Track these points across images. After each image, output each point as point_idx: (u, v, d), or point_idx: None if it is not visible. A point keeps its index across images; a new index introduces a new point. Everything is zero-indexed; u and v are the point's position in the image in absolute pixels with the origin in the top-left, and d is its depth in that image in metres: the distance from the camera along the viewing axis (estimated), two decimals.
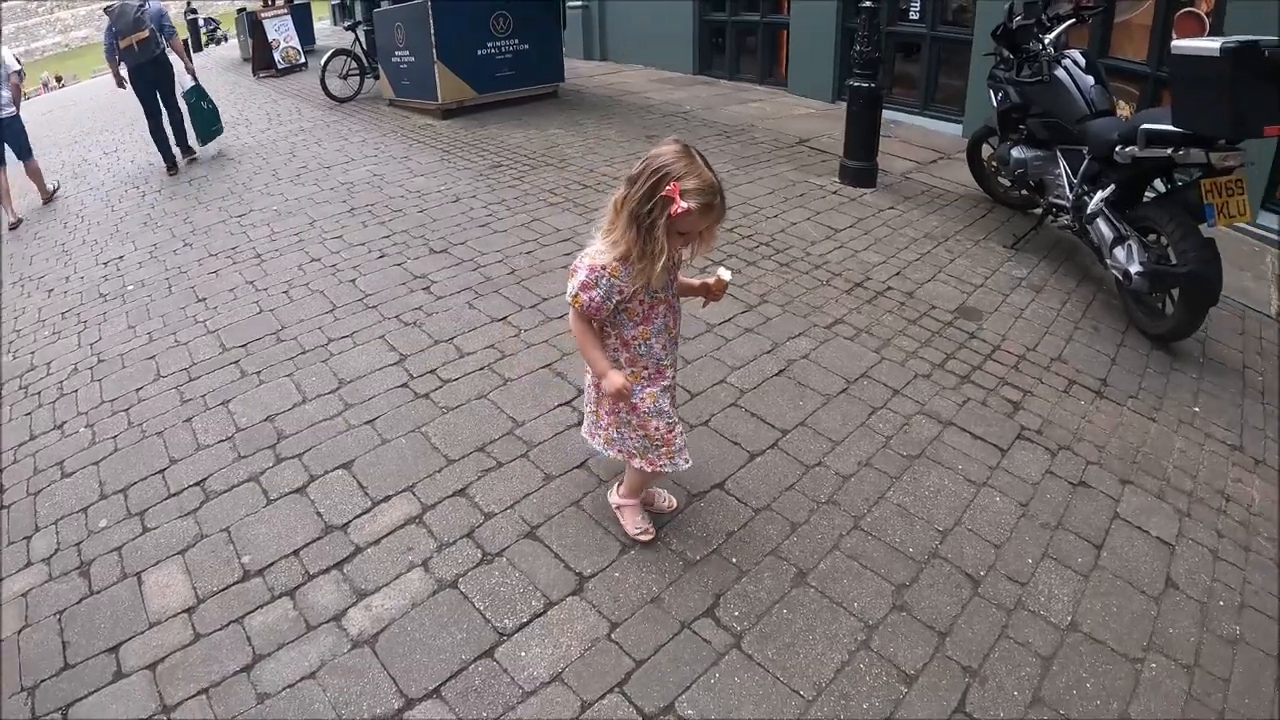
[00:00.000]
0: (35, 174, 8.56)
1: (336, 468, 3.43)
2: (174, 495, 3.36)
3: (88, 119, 14.27)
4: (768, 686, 2.48)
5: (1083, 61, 5.29)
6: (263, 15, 15.72)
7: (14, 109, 8.47)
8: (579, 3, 13.58)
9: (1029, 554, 3.05)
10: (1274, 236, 6.34)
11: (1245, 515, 3.43)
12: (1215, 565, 3.12)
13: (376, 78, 11.43)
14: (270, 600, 2.80)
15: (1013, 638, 2.70)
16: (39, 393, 4.38)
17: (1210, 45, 3.84)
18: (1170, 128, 4.20)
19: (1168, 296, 4.58)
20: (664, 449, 2.70)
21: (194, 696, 2.47)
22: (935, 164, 7.64)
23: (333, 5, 24.42)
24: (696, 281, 2.75)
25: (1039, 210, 5.83)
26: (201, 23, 29.98)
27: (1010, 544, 3.09)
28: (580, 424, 3.08)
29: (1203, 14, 6.48)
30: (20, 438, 4.00)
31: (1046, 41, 5.41)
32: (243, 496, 3.31)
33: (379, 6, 11.10)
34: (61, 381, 4.43)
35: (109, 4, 8.41)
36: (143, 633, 2.71)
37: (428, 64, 9.50)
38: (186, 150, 9.12)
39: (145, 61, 8.41)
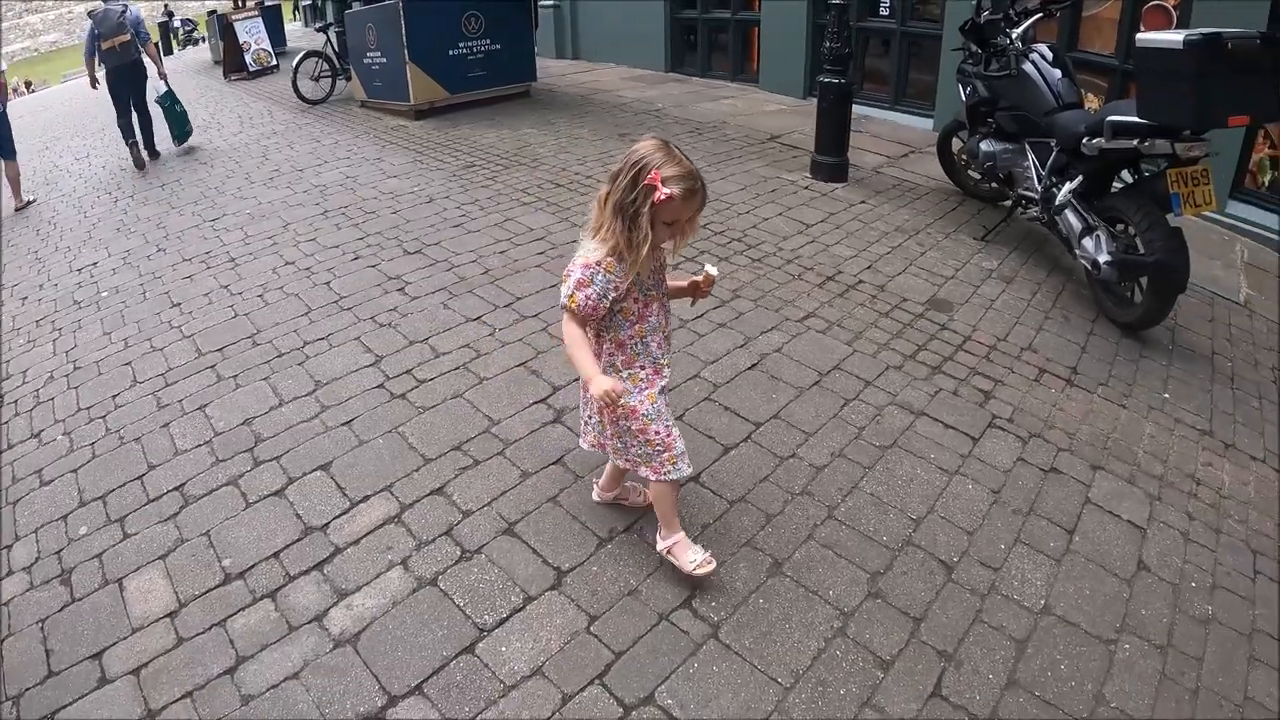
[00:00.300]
0: (14, 179, 8.52)
1: (315, 469, 3.43)
2: (153, 501, 3.35)
3: (58, 125, 14.15)
4: (745, 675, 2.51)
5: (1050, 55, 5.34)
6: (234, 17, 15.62)
7: (0, 106, 8.50)
8: (551, 2, 13.56)
9: (1002, 540, 3.09)
10: (1243, 226, 6.44)
11: (1215, 499, 3.49)
12: (1186, 547, 3.18)
13: (348, 79, 11.40)
14: (252, 602, 2.80)
15: (987, 622, 2.74)
16: (15, 401, 4.36)
17: (1174, 38, 3.90)
18: (1136, 119, 4.26)
19: (1136, 285, 4.64)
20: (666, 454, 2.67)
21: (178, 700, 2.48)
22: (906, 158, 7.69)
23: (304, 6, 24.26)
24: (684, 281, 2.77)
25: (1008, 202, 5.90)
26: (178, 24, 29.84)
27: (983, 530, 3.13)
28: (555, 421, 3.09)
29: (1170, 7, 6.56)
30: None
31: (1014, 36, 5.45)
32: (222, 500, 3.31)
33: (350, 8, 11.07)
34: (38, 390, 4.41)
35: (92, 9, 9.00)
36: (126, 638, 2.71)
37: (399, 65, 9.49)
38: (154, 153, 9.44)
39: (125, 63, 9.02)
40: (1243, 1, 5.59)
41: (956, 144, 6.55)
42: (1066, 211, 4.86)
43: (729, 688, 2.47)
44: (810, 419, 3.71)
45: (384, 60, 9.89)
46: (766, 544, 3.00)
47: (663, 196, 2.32)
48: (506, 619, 2.69)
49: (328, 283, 5.18)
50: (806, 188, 6.73)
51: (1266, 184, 6.48)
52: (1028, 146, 5.42)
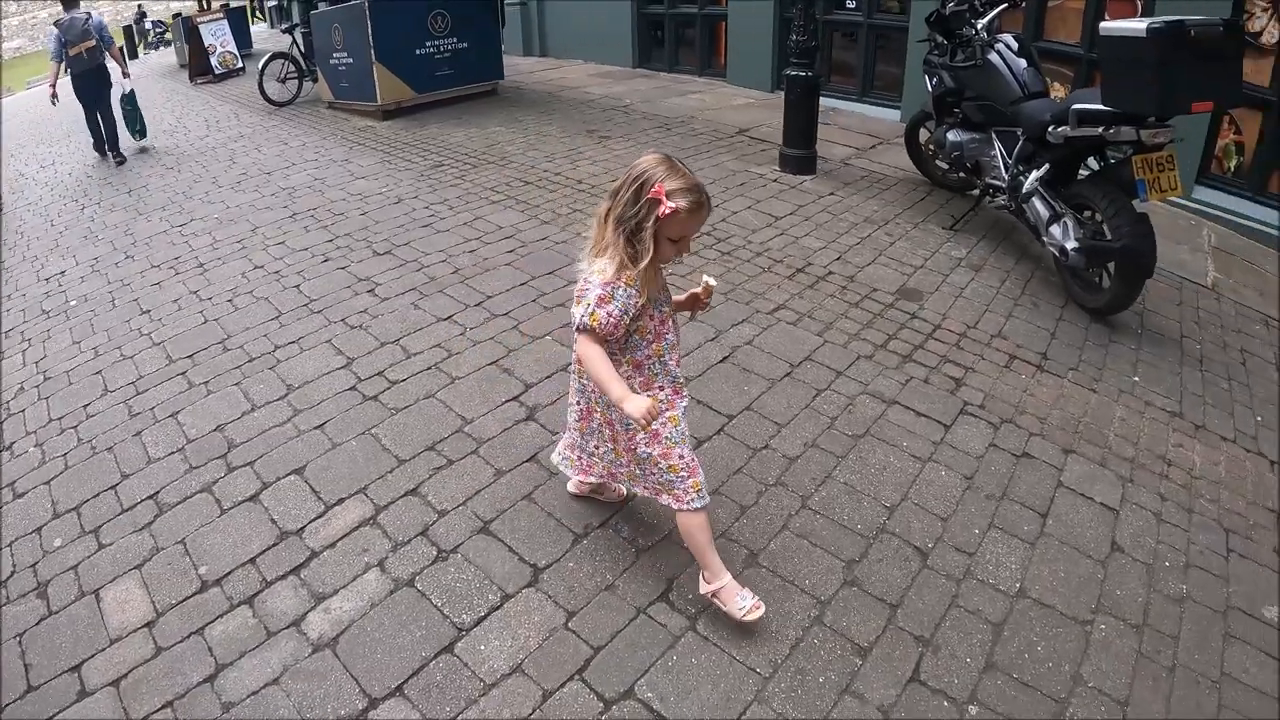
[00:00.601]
0: None
1: (289, 474, 3.42)
2: (127, 510, 3.32)
3: (23, 132, 13.94)
4: (725, 666, 2.53)
5: (1015, 45, 5.39)
6: (199, 20, 15.44)
7: None
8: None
9: (975, 525, 3.13)
10: (1209, 211, 6.52)
11: (1187, 479, 3.54)
12: (1159, 528, 3.22)
13: (315, 81, 11.31)
14: (229, 609, 2.78)
15: (963, 606, 2.77)
16: None
17: (1137, 26, 3.94)
18: (1101, 107, 4.30)
19: (1104, 271, 4.69)
20: (690, 480, 2.55)
21: (159, 710, 2.46)
22: (874, 149, 7.74)
23: (269, 8, 24.07)
24: (683, 295, 2.71)
25: (976, 191, 5.94)
26: (149, 25, 29.55)
27: (957, 516, 3.17)
28: (528, 419, 3.06)
29: None
30: None
31: (979, 26, 5.50)
32: (196, 507, 3.28)
33: (316, 8, 10.99)
34: (8, 401, 4.35)
35: (58, 18, 9.30)
36: (104, 650, 2.69)
37: (366, 65, 9.44)
38: (118, 155, 9.56)
39: (91, 68, 9.37)
40: None
41: (924, 134, 6.59)
42: (1034, 199, 4.90)
43: (708, 679, 2.48)
44: (782, 410, 3.73)
45: (350, 60, 9.83)
46: (742, 535, 3.01)
47: (668, 210, 2.25)
48: (485, 617, 2.69)
49: (297, 286, 5.15)
50: (775, 180, 6.76)
51: (1232, 169, 6.57)
52: (994, 136, 5.46)
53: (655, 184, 2.27)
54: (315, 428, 3.69)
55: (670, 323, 2.58)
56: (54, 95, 9.49)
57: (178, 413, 3.94)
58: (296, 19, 13.37)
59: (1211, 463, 3.69)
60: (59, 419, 4.06)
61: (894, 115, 8.75)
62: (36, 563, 3.13)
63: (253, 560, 2.98)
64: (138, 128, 10.03)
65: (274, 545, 3.04)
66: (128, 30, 25.35)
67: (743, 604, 2.59)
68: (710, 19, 11.13)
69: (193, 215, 6.91)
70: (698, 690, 2.45)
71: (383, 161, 7.88)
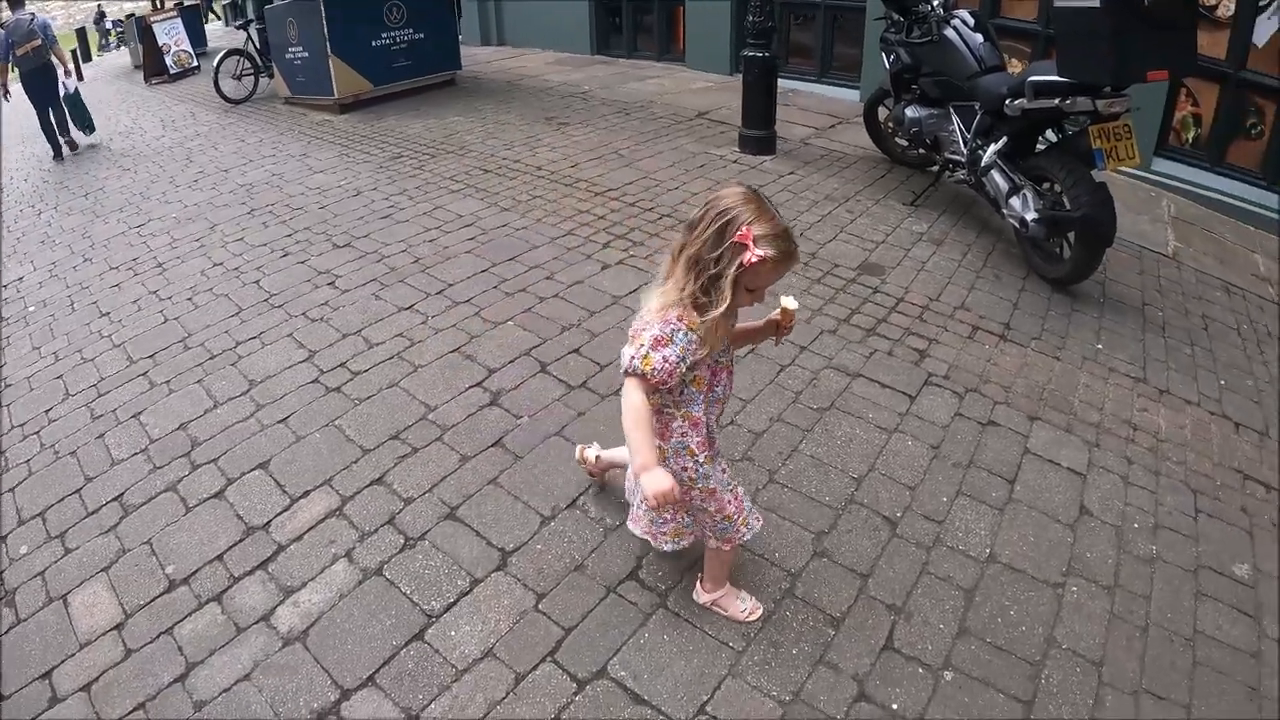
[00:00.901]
0: None
1: (253, 469, 3.38)
2: (92, 513, 3.27)
3: None
4: (697, 641, 2.53)
5: (971, 21, 5.41)
6: (152, 19, 15.18)
7: None
8: None
9: (943, 493, 3.15)
10: (1169, 182, 6.61)
11: (1153, 442, 3.58)
12: (1127, 490, 3.26)
13: (271, 77, 11.18)
14: (198, 608, 2.75)
15: (934, 574, 2.79)
16: None
17: None
18: (1057, 78, 4.33)
19: (1065, 241, 4.72)
20: (740, 519, 2.41)
21: (131, 713, 2.43)
22: (834, 129, 7.76)
23: (224, 5, 23.77)
24: (761, 322, 2.42)
25: (936, 167, 5.97)
26: (110, 25, 29.14)
27: (924, 485, 3.19)
28: (491, 404, 3.02)
29: None
30: None
31: (935, 3, 5.52)
32: (162, 507, 3.24)
33: (270, 3, 10.86)
34: None
35: (4, 20, 9.69)
36: (74, 655, 2.65)
37: (322, 58, 9.35)
38: (70, 143, 10.03)
39: (37, 66, 9.65)
40: None
41: (883, 112, 6.60)
42: (993, 172, 4.92)
43: (681, 655, 2.48)
44: (747, 386, 3.72)
45: (306, 55, 9.73)
46: None
47: (754, 259, 1.95)
48: (454, 603, 2.68)
49: (257, 281, 5.09)
50: (735, 161, 6.78)
51: (1190, 141, 6.65)
52: (952, 111, 5.48)
53: (742, 226, 1.96)
54: (278, 421, 3.66)
55: (724, 374, 2.32)
56: (6, 92, 9.64)
57: (140, 413, 3.88)
58: (251, 14, 13.21)
59: (1177, 426, 3.73)
60: (21, 425, 3.99)
61: (853, 95, 8.77)
62: (3, 571, 3.08)
63: (220, 557, 2.94)
64: (85, 124, 10.31)
65: (240, 541, 3.01)
66: (80, 33, 24.94)
67: (744, 606, 2.61)
68: (668, 4, 11.12)
69: (150, 215, 6.81)
70: (671, 667, 2.45)
71: (341, 155, 7.81)
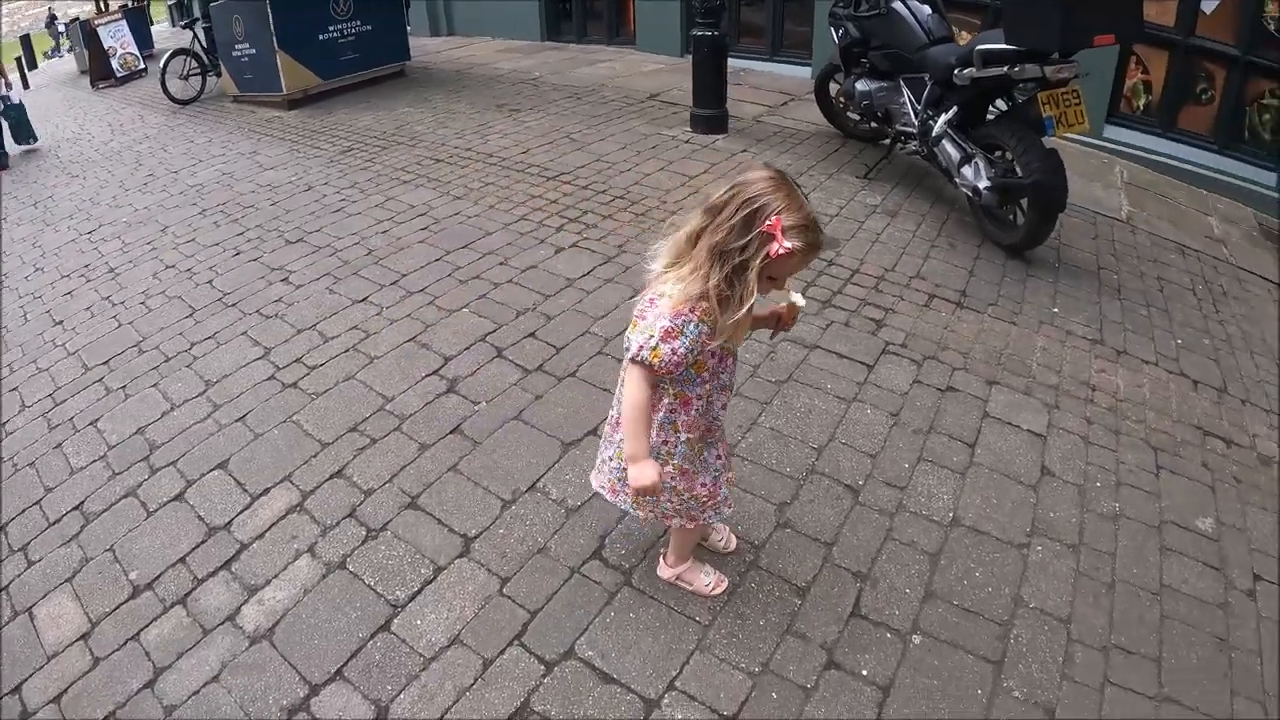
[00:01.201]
0: None
1: (212, 469, 3.34)
2: (54, 524, 3.22)
3: None
4: (664, 618, 2.53)
5: None
6: (96, 23, 14.91)
7: None
8: None
9: (905, 459, 3.17)
10: (1121, 149, 6.69)
11: (1112, 402, 3.63)
12: (1088, 450, 3.30)
13: (219, 75, 11.01)
14: (163, 612, 2.72)
15: (898, 539, 2.82)
16: None
17: None
18: (1004, 46, 4.36)
19: (1018, 208, 4.76)
20: (710, 503, 2.38)
21: None
22: (785, 106, 7.78)
23: (169, 5, 23.36)
24: (766, 311, 2.28)
25: (888, 140, 6.00)
26: (62, 28, 28.63)
27: (885, 452, 3.21)
28: (449, 391, 3.00)
29: None
30: None
31: None
32: (122, 513, 3.20)
33: (215, 1, 10.71)
34: None
35: None
36: (42, 667, 2.61)
37: (269, 54, 9.22)
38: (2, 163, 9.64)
39: None
40: None
41: (834, 87, 6.61)
42: (944, 142, 4.95)
43: (648, 632, 2.49)
44: None
45: (253, 51, 9.60)
46: None
47: (782, 251, 1.85)
48: (419, 592, 2.67)
49: (210, 281, 5.03)
50: (687, 141, 6.77)
51: (1141, 108, 6.73)
52: (902, 83, 5.50)
53: (771, 215, 1.86)
54: (236, 420, 3.62)
55: (730, 360, 2.24)
56: None
57: (97, 420, 3.82)
58: (197, 13, 13.00)
59: (1135, 385, 3.78)
60: None
61: (805, 73, 8.77)
62: None
63: (183, 560, 2.91)
64: (27, 135, 10.07)
65: (203, 542, 2.97)
66: (24, 40, 24.46)
67: (708, 580, 2.61)
68: None
69: (101, 221, 6.70)
70: (638, 644, 2.45)
71: (291, 150, 7.73)
